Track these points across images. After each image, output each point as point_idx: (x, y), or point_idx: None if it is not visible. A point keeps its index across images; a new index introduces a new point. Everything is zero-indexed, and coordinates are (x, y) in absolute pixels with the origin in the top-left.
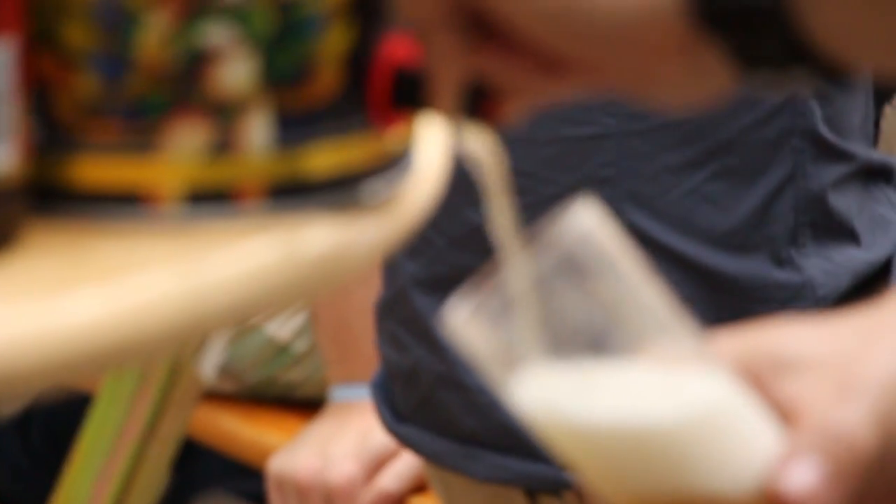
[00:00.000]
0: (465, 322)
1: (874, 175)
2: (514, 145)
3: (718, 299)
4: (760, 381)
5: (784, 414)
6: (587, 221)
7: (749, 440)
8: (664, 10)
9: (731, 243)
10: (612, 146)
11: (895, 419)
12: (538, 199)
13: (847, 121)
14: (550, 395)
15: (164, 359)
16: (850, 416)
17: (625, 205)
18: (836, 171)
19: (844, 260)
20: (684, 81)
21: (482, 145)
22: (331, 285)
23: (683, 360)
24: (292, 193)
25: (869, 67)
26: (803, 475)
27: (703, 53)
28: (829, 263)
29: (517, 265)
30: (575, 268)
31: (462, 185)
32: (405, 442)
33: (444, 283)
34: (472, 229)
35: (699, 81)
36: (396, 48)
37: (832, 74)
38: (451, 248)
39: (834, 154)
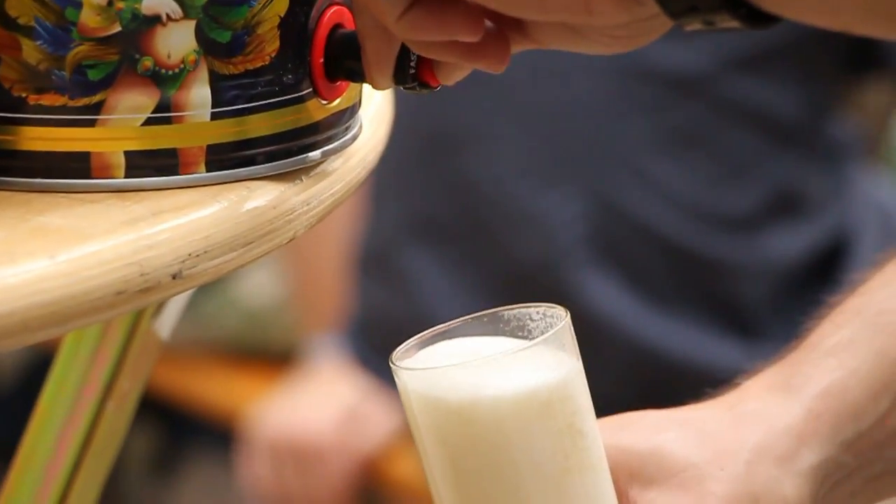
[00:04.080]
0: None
1: (832, 151)
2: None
3: (687, 274)
4: (618, 487)
5: None
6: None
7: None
8: None
9: (704, 222)
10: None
11: None
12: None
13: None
14: (415, 373)
15: (121, 319)
16: None
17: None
18: (798, 153)
19: (799, 235)
20: (621, 28)
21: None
22: (277, 244)
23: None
24: (235, 158)
25: (795, 15)
26: None
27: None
28: (785, 240)
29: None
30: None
31: (439, 136)
32: (385, 380)
33: (428, 230)
34: (449, 179)
35: (636, 28)
36: (337, 14)
37: (758, 20)
38: (430, 197)
39: (800, 138)
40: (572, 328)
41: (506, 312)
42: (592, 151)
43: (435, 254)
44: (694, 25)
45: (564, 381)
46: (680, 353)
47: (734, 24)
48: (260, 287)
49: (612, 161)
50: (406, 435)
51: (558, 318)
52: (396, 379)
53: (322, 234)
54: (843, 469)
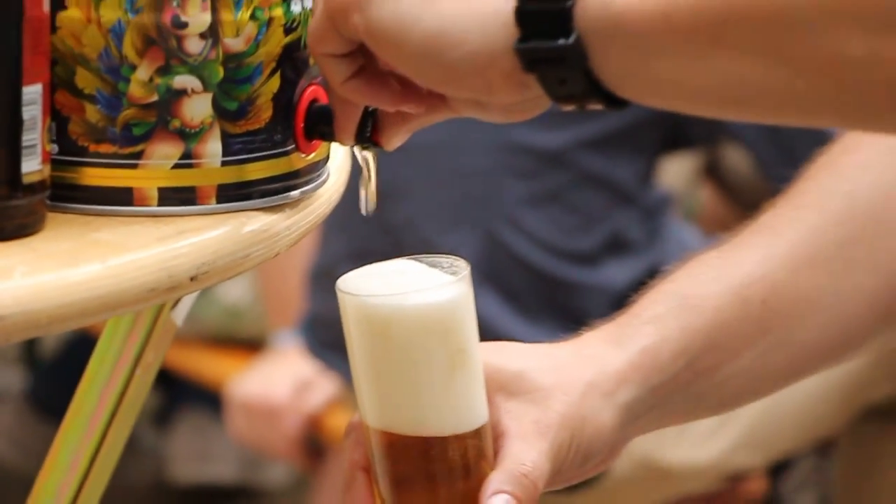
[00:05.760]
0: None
1: (652, 206)
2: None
3: (548, 294)
4: (489, 393)
5: (494, 429)
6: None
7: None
8: (499, 56)
9: (561, 256)
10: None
11: (564, 450)
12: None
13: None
14: (351, 286)
15: (148, 309)
16: (536, 458)
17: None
18: (629, 208)
19: (627, 267)
20: (516, 105)
21: (369, 161)
22: (266, 257)
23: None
24: (238, 194)
25: (649, 102)
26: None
27: (529, 85)
28: (617, 271)
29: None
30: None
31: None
32: (328, 365)
33: (363, 255)
34: (379, 220)
35: (527, 104)
36: (314, 91)
37: (617, 103)
38: (364, 232)
39: (631, 198)
40: (471, 276)
41: (424, 258)
42: (483, 204)
43: None
44: (569, 106)
45: (463, 313)
46: None
47: (599, 105)
48: (235, 290)
49: (497, 212)
50: (340, 398)
51: (463, 267)
52: (339, 302)
53: (285, 255)
54: (646, 406)
